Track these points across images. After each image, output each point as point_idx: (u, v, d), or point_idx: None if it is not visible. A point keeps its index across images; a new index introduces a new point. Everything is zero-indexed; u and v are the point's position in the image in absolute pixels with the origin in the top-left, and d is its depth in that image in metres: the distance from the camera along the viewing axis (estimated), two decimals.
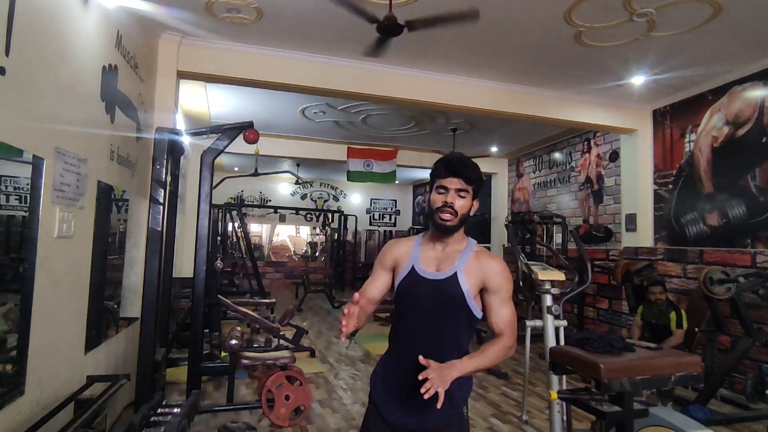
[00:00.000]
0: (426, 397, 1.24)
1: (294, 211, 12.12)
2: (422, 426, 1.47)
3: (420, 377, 1.27)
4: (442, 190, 1.49)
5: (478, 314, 1.50)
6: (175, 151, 3.23)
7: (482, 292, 1.50)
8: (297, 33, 4.07)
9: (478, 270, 1.48)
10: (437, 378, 1.27)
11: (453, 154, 1.54)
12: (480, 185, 1.53)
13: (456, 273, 1.48)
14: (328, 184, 13.42)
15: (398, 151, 8.23)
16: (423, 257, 1.54)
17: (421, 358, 1.33)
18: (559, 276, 2.99)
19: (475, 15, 2.97)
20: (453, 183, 1.48)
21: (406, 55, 4.42)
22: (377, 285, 1.61)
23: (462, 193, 1.49)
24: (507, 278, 1.50)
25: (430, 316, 1.47)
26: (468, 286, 1.47)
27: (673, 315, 4.13)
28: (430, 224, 1.55)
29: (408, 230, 13.08)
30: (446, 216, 1.47)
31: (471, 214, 1.53)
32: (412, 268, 1.53)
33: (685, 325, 4.10)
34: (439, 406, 1.25)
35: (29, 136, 2.00)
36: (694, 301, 4.46)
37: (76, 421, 2.03)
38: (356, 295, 1.38)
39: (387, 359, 1.59)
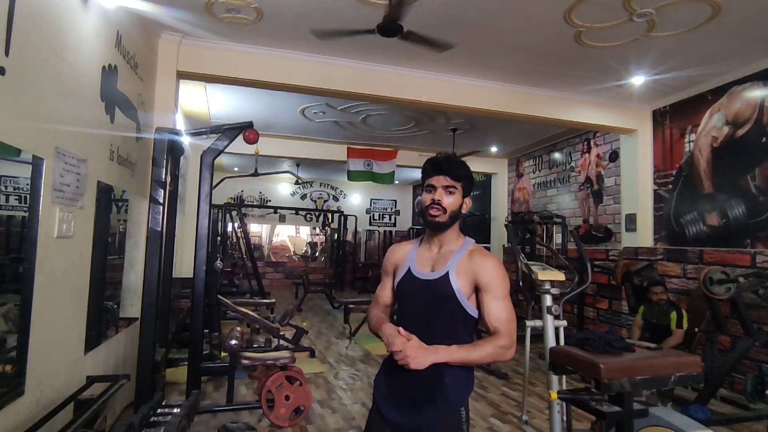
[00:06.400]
0: (400, 363, 1.37)
1: (294, 212, 12.12)
2: (417, 423, 1.47)
3: (393, 348, 1.38)
4: (431, 189, 1.53)
5: (473, 313, 1.51)
6: (174, 151, 3.24)
7: (477, 291, 1.51)
8: (297, 33, 4.06)
9: (469, 268, 1.49)
10: (411, 352, 1.36)
11: (440, 153, 1.57)
12: (469, 183, 1.56)
13: (448, 272, 1.50)
14: (328, 184, 13.41)
15: (398, 151, 8.23)
16: (419, 259, 1.59)
17: (401, 329, 1.41)
18: (559, 276, 2.99)
19: (448, 47, 3.66)
20: (440, 181, 1.51)
21: (406, 55, 4.42)
22: (386, 292, 1.70)
23: (450, 189, 1.51)
24: (500, 276, 1.50)
25: (424, 315, 1.50)
26: (459, 284, 1.48)
27: (673, 315, 4.14)
28: (423, 224, 1.58)
29: (408, 230, 13.08)
30: (434, 212, 1.51)
31: (463, 212, 1.55)
32: (409, 269, 1.58)
33: (685, 324, 4.11)
34: (410, 367, 1.35)
35: (29, 136, 1.99)
36: (694, 301, 4.46)
37: (76, 421, 2.02)
38: (401, 329, 1.45)
39: (389, 358, 1.61)
